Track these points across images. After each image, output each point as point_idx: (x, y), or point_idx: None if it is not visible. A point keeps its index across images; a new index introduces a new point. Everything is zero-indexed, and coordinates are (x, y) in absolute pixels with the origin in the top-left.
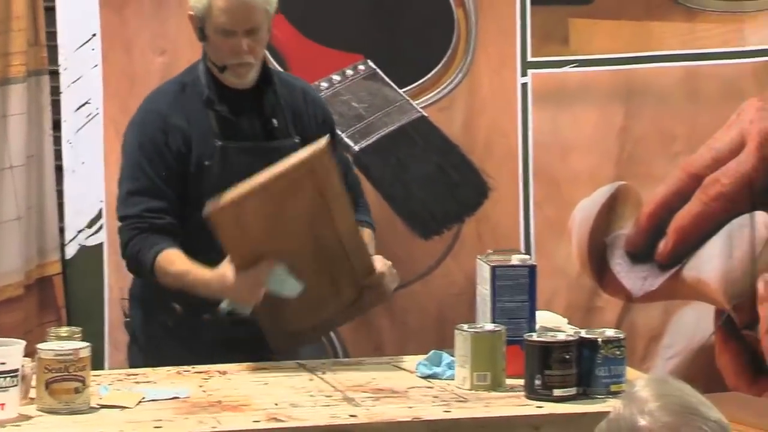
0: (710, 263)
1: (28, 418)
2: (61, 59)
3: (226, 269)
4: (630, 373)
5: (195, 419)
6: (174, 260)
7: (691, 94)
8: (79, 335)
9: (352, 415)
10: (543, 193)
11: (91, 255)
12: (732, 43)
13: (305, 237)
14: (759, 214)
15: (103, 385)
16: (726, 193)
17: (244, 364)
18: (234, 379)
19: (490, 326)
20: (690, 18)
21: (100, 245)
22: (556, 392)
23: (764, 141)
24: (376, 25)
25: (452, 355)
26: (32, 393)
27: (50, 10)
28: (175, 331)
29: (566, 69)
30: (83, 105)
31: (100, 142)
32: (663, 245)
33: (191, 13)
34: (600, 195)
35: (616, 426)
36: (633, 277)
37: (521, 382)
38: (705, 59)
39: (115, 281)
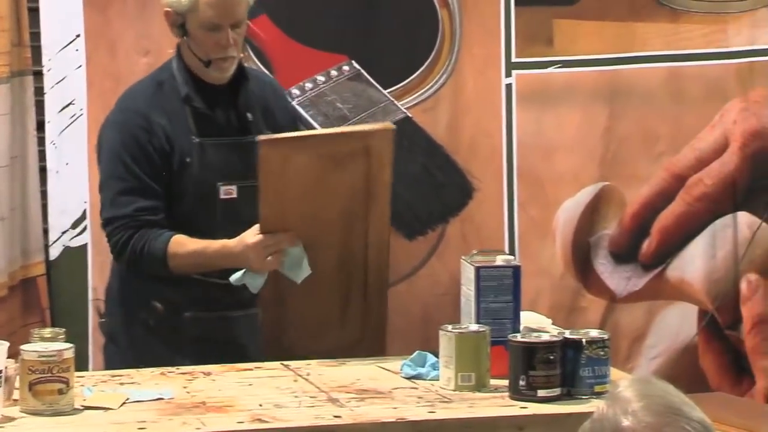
0: (693, 263)
1: (11, 419)
2: (44, 60)
3: (246, 233)
4: (614, 373)
5: (179, 420)
6: (185, 242)
7: (675, 95)
8: (62, 336)
9: (336, 416)
10: (527, 193)
11: (75, 256)
12: (715, 44)
13: (335, 228)
14: (742, 215)
15: (87, 386)
16: (709, 194)
17: (228, 365)
18: (218, 380)
19: (474, 327)
20: (674, 19)
21: (84, 246)
22: (541, 393)
23: (747, 141)
24: (361, 25)
25: (437, 356)
26: (16, 394)
27: (34, 11)
28: (157, 329)
29: (550, 70)
30: (67, 106)
31: (84, 143)
32: (646, 245)
33: (168, 9)
34: (584, 195)
35: (599, 426)
36: (617, 278)
37: (505, 382)
38: (689, 60)
39: (100, 282)
